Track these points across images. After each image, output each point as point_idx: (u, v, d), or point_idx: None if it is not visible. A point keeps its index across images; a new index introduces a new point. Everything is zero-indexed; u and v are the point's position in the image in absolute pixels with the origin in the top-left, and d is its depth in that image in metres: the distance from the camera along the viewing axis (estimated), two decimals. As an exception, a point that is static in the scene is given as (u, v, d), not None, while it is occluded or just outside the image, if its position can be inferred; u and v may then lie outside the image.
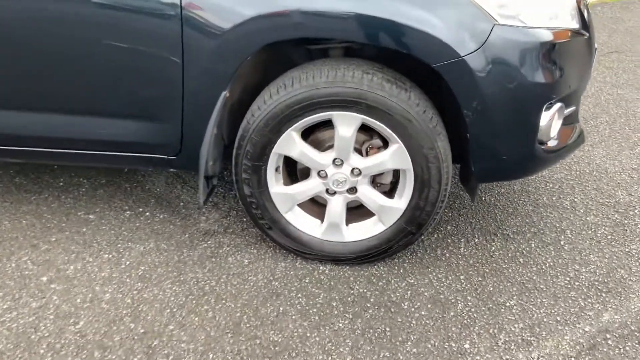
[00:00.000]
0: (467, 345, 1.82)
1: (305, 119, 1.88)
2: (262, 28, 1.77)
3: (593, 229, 2.36)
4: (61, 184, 2.59)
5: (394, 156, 1.91)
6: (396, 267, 2.13)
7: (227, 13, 1.78)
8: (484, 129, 1.86)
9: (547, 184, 2.66)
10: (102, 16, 1.83)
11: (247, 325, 1.87)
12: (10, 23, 1.86)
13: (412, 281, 2.07)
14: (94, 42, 1.87)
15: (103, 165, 2.51)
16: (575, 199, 2.55)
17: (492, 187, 2.64)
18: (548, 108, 1.89)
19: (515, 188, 2.63)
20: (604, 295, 2.03)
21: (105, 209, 2.43)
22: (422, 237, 2.17)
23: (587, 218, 2.42)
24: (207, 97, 1.89)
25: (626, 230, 2.35)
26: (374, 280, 2.07)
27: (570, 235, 2.32)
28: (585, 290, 2.04)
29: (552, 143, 2.03)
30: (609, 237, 2.31)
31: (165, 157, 2.07)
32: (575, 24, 1.96)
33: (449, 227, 2.36)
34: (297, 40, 1.90)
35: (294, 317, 1.91)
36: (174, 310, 1.92)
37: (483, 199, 2.56)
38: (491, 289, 2.04)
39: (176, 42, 1.81)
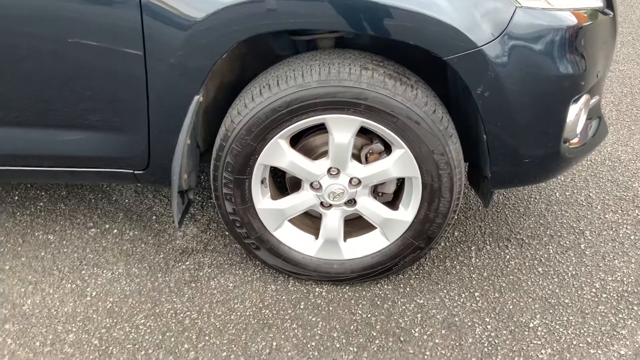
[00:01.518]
0: (490, 379, 1.59)
1: (295, 125, 1.59)
2: (242, 18, 1.48)
3: (614, 229, 2.13)
4: (16, 197, 2.28)
5: (399, 163, 1.65)
6: (402, 285, 1.88)
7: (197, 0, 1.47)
8: (505, 129, 1.60)
9: (558, 177, 2.42)
10: (45, 7, 1.52)
11: (236, 366, 1.61)
12: None
13: (422, 301, 1.83)
14: (36, 39, 1.55)
15: (61, 181, 2.21)
16: (591, 194, 2.32)
17: (499, 183, 2.39)
18: (575, 101, 1.64)
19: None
20: (635, 308, 1.80)
21: (67, 227, 2.13)
22: (431, 250, 1.92)
23: (606, 216, 2.20)
24: (176, 101, 1.60)
25: (650, 228, 2.13)
26: (379, 303, 1.82)
27: (590, 237, 2.09)
28: (614, 303, 1.82)
29: (575, 140, 1.78)
30: (632, 237, 2.09)
31: (131, 171, 1.77)
32: (599, 2, 1.70)
33: (456, 233, 2.12)
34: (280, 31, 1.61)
35: (289, 353, 1.65)
36: (150, 351, 1.65)
37: (490, 197, 2.31)
38: (511, 306, 1.81)
39: (135, 34, 1.51)
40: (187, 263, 1.97)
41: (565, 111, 1.62)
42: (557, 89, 1.57)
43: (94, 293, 1.85)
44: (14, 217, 2.18)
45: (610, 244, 2.06)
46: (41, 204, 2.25)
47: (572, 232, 2.12)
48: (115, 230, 2.12)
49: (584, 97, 1.68)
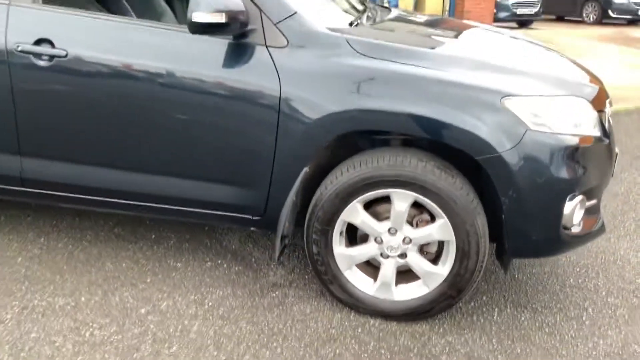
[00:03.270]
0: (495, 395, 2.13)
1: (369, 194, 2.31)
2: (342, 120, 2.26)
3: (613, 309, 2.66)
4: (153, 236, 3.07)
5: (440, 229, 2.31)
6: (437, 327, 2.48)
7: (315, 107, 2.27)
8: (517, 213, 2.25)
9: (575, 268, 2.99)
10: (216, 101, 2.36)
11: (309, 361, 2.24)
12: (146, 106, 2.41)
13: (450, 339, 2.41)
14: (207, 123, 2.39)
15: (199, 221, 2.91)
16: (599, 283, 2.87)
17: (525, 267, 2.98)
18: (571, 199, 2.28)
19: (545, 269, 2.97)
20: (618, 365, 2.32)
21: (190, 260, 2.88)
22: (461, 302, 2.51)
23: (608, 299, 2.73)
24: (291, 172, 2.36)
25: (643, 312, 2.65)
26: (417, 336, 2.42)
27: (591, 313, 2.63)
28: (601, 358, 2.34)
29: (575, 229, 2.40)
30: (626, 317, 2.61)
31: (250, 217, 2.52)
32: (596, 132, 2.38)
33: (484, 298, 2.71)
34: (364, 131, 2.37)
35: (348, 358, 2.27)
36: (249, 344, 2.31)
37: (516, 276, 2.90)
38: (519, 351, 2.36)
39: (273, 128, 2.31)
40: (277, 292, 2.65)
41: (562, 205, 2.26)
42: (555, 188, 2.23)
43: (210, 303, 2.55)
44: (152, 249, 2.96)
45: (607, 319, 2.59)
46: (171, 242, 3.03)
47: (578, 307, 2.67)
48: (225, 265, 2.85)
49: (579, 197, 2.32)
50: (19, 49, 2.40)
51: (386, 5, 9.50)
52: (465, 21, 4.19)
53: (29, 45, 2.39)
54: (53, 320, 2.40)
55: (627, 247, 3.24)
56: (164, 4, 3.66)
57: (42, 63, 2.40)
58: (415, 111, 2.23)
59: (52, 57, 2.39)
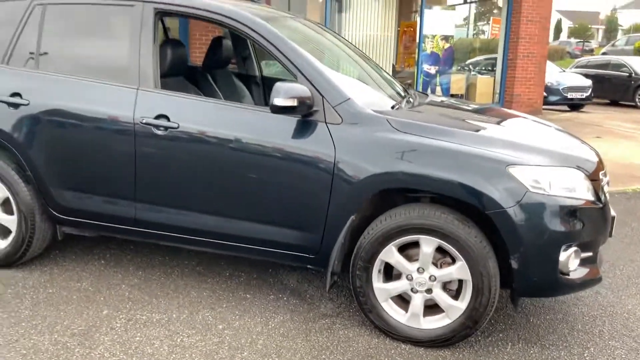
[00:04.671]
0: (500, 404, 2.63)
1: (402, 239, 2.94)
2: (382, 180, 2.93)
3: (612, 350, 3.11)
4: (227, 274, 3.76)
5: (459, 270, 2.89)
6: (457, 352, 3.01)
7: (360, 169, 2.96)
8: (520, 258, 2.81)
9: (584, 317, 3.46)
10: (286, 164, 3.08)
11: (350, 370, 2.81)
12: (233, 167, 3.16)
13: (467, 363, 2.93)
14: (279, 181, 3.11)
15: (267, 258, 3.47)
16: (604, 330, 3.32)
17: (540, 313, 3.47)
18: (566, 249, 2.84)
19: (557, 316, 3.45)
20: (610, 391, 2.77)
21: (257, 293, 3.54)
22: (479, 336, 3.02)
23: (610, 342, 3.18)
24: (341, 220, 3.02)
25: (639, 354, 3.08)
26: (440, 358, 2.95)
27: (593, 352, 3.09)
28: (595, 385, 2.80)
29: (573, 275, 2.93)
30: (623, 356, 3.05)
31: (307, 256, 3.18)
32: (590, 197, 2.95)
33: (500, 335, 3.22)
34: (399, 189, 3.02)
35: (381, 370, 2.83)
36: (303, 355, 2.91)
37: (531, 320, 3.39)
38: (524, 375, 2.86)
39: (328, 185, 3.00)
40: (326, 320, 3.25)
41: (557, 254, 2.81)
42: (551, 239, 2.79)
43: (272, 324, 3.17)
44: (226, 283, 3.64)
45: (605, 357, 3.04)
46: (241, 279, 3.71)
47: (581, 346, 3.13)
48: (285, 298, 3.48)
49: (573, 248, 2.86)
50: (144, 121, 3.23)
51: (438, 93, 10.35)
52: (492, 105, 4.85)
53: (151, 119, 3.22)
54: (152, 329, 3.08)
55: (635, 304, 3.68)
56: (245, 89, 4.51)
57: (159, 132, 3.22)
58: (451, 177, 2.84)
59: (167, 128, 3.20)
